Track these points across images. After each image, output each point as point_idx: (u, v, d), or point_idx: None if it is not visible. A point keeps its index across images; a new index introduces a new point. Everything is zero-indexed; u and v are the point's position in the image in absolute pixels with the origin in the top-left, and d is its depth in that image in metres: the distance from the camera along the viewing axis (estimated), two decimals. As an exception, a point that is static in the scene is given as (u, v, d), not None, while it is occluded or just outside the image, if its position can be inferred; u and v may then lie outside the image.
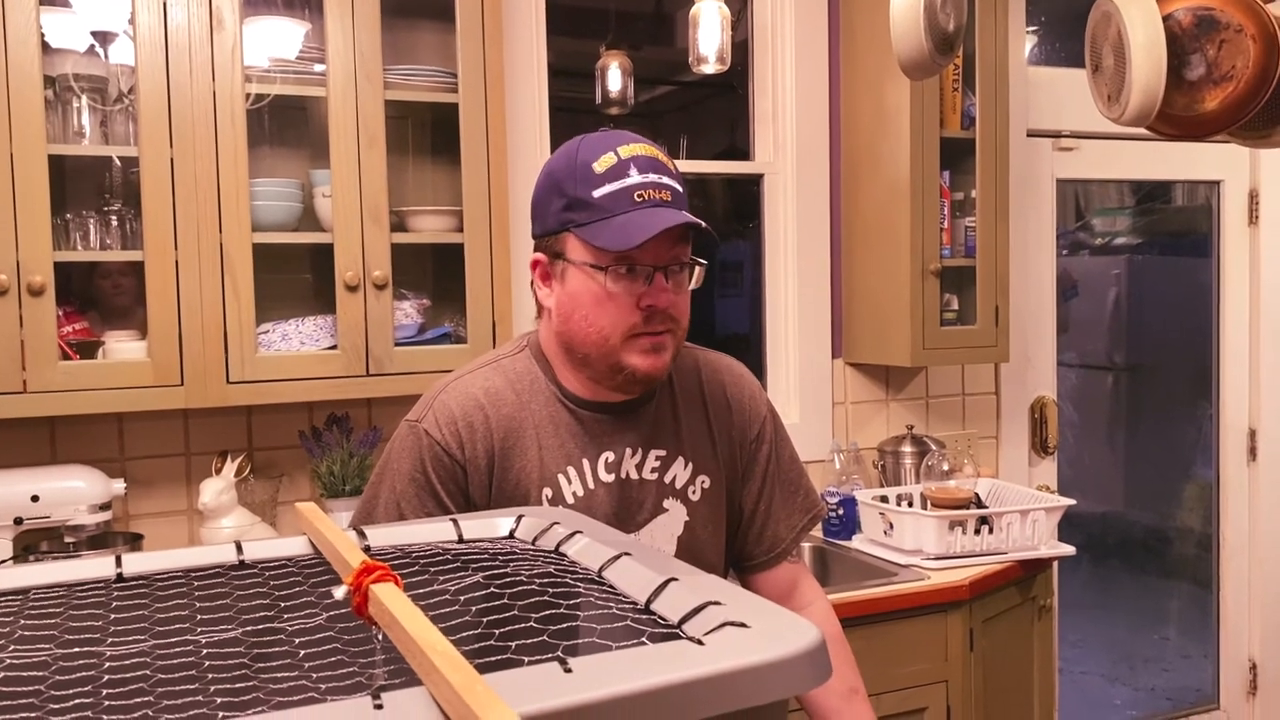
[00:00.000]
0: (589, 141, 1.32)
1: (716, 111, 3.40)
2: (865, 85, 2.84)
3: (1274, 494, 3.59)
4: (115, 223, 2.11)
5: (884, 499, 2.60)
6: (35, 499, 2.02)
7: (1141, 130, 2.03)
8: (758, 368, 3.01)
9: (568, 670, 0.57)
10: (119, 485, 2.11)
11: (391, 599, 0.66)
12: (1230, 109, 1.97)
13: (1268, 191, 3.51)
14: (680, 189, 1.31)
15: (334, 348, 2.18)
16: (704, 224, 1.27)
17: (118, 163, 2.15)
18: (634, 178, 1.27)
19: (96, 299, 2.21)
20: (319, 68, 2.20)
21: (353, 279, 2.15)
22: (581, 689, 0.55)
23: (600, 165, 1.28)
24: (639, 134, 1.36)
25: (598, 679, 0.56)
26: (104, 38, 2.11)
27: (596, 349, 1.32)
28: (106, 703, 0.60)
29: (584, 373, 1.37)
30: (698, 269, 1.35)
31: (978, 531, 2.42)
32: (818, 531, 2.68)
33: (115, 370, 2.02)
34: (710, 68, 2.60)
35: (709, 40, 2.58)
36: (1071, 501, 2.51)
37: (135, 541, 2.17)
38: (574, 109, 3.05)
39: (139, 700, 0.60)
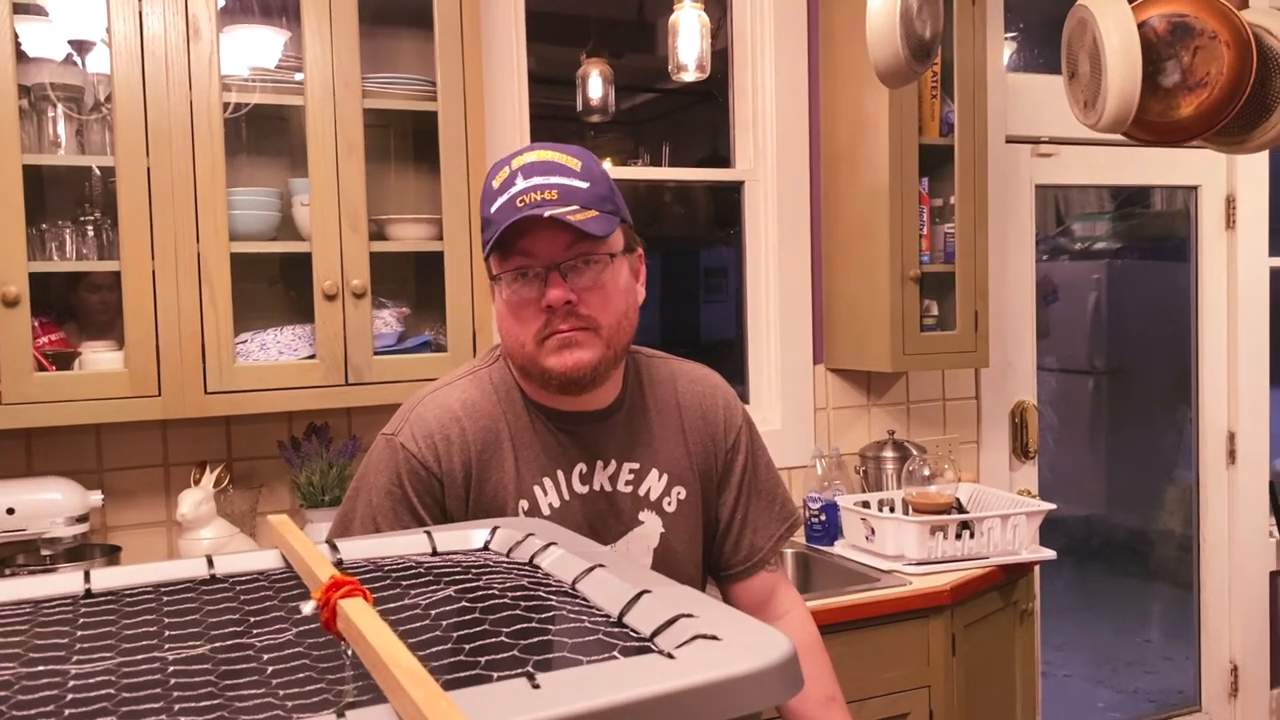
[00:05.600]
0: (499, 161, 1.33)
1: (698, 119, 3.40)
2: (844, 92, 2.85)
3: (1253, 496, 3.61)
4: (92, 233, 2.10)
5: (865, 504, 2.60)
6: (11, 512, 2.00)
7: (1120, 136, 2.04)
8: (740, 373, 3.01)
9: (535, 686, 0.57)
10: (96, 497, 2.09)
11: (359, 614, 0.65)
12: (1205, 115, 1.98)
13: (1244, 196, 3.54)
14: (581, 185, 1.27)
15: (313, 357, 2.17)
16: (561, 215, 1.22)
17: (95, 172, 2.14)
18: (518, 185, 1.27)
19: (73, 309, 2.19)
20: (298, 76, 2.19)
21: (331, 288, 2.14)
22: (548, 705, 0.55)
23: (496, 181, 1.30)
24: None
25: (565, 695, 0.56)
26: (81, 46, 2.10)
27: (521, 357, 1.33)
28: (69, 723, 0.59)
29: (531, 383, 1.37)
30: (612, 260, 1.30)
31: (959, 536, 2.42)
32: (800, 537, 2.68)
33: (92, 381, 2.01)
34: (690, 76, 2.61)
35: (689, 48, 2.59)
36: (1052, 506, 2.51)
37: (113, 554, 2.15)
38: (555, 116, 3.05)
39: (102, 720, 0.59)
